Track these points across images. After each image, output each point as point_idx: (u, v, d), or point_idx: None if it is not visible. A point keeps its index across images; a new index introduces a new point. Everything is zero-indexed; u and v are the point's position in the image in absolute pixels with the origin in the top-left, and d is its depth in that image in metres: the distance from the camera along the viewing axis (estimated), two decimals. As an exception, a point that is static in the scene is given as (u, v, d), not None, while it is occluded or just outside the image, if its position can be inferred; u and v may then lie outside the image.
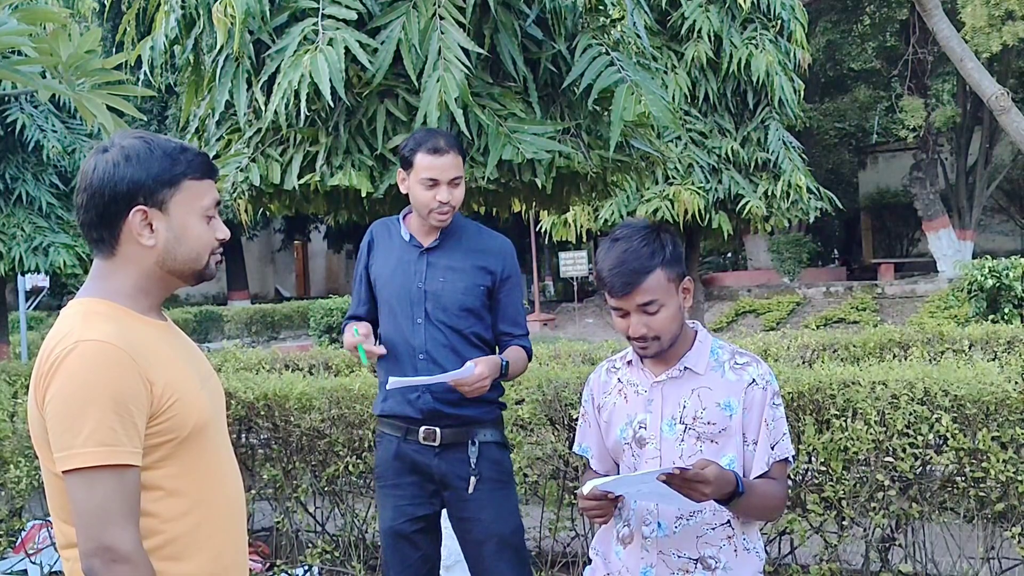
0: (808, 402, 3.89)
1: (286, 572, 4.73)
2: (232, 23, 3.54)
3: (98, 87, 2.96)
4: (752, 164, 7.57)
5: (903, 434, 3.75)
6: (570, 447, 4.04)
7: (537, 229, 9.88)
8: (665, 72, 6.99)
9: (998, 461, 3.62)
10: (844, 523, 3.94)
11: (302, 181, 3.73)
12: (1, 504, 5.07)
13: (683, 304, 2.27)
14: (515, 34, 3.72)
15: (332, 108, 3.60)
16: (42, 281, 14.43)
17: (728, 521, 2.25)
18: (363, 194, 3.69)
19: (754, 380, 2.24)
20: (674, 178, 7.30)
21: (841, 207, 8.56)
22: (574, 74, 3.82)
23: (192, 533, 1.81)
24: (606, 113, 4.00)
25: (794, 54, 7.77)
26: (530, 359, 3.24)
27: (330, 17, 3.56)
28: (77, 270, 8.74)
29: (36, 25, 2.92)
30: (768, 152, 7.59)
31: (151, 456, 1.75)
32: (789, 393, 3.87)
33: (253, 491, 4.77)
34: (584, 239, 8.71)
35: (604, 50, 3.86)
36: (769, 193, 7.55)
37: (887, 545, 4.01)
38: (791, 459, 2.30)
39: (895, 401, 3.77)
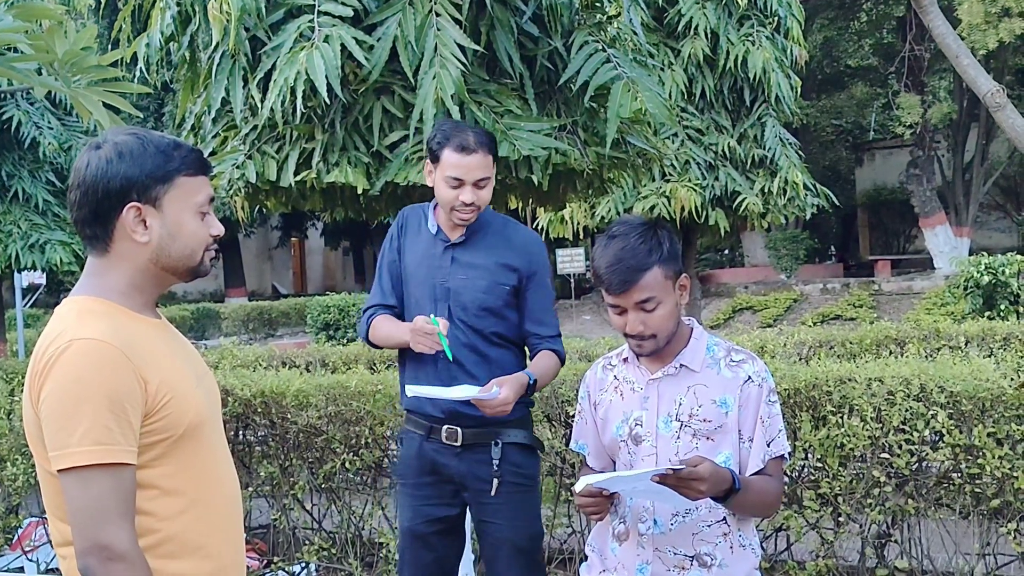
0: (804, 399, 3.89)
1: (283, 569, 4.73)
2: (228, 20, 3.54)
3: (94, 84, 2.95)
4: (749, 161, 7.58)
5: (899, 430, 3.76)
6: (567, 444, 4.04)
7: (534, 226, 9.93)
8: (662, 69, 6.99)
9: (994, 457, 3.63)
10: (840, 519, 3.95)
11: (298, 178, 3.72)
12: (-2, 501, 5.07)
13: (680, 301, 2.27)
14: (511, 31, 3.72)
15: (328, 105, 3.60)
16: (38, 278, 14.42)
17: (724, 518, 2.25)
18: (359, 191, 3.69)
19: (750, 377, 2.25)
20: (671, 175, 7.30)
21: (838, 204, 8.58)
22: (570, 71, 3.82)
23: (188, 531, 1.81)
24: (602, 110, 4.00)
25: (791, 51, 7.77)
26: (563, 363, 3.10)
27: (326, 14, 3.55)
28: (74, 267, 8.73)
29: (32, 22, 2.92)
30: (765, 149, 7.60)
31: (147, 454, 1.75)
32: (786, 390, 3.87)
33: (250, 488, 4.77)
34: (581, 236, 8.72)
35: (600, 47, 3.86)
36: (766, 190, 7.56)
37: (883, 541, 4.02)
38: (787, 456, 2.30)
39: (891, 398, 3.78)
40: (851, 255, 26.05)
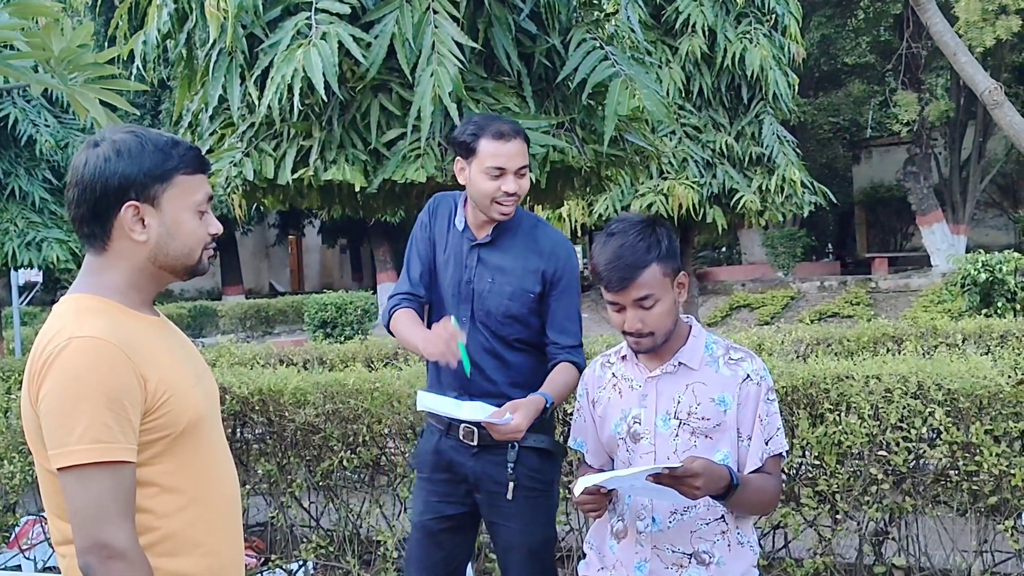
0: (802, 396, 3.89)
1: (280, 567, 4.73)
2: (225, 17, 3.54)
3: (91, 81, 2.94)
4: (746, 158, 7.59)
5: (896, 428, 3.76)
6: (565, 441, 4.04)
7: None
8: (659, 66, 6.99)
9: (991, 455, 3.63)
10: (838, 517, 3.95)
11: (296, 176, 3.72)
12: (-5, 500, 5.07)
13: (678, 299, 2.27)
14: (509, 28, 3.72)
15: (326, 102, 3.59)
16: (35, 276, 14.39)
17: (722, 516, 2.25)
18: (357, 188, 3.69)
19: (748, 376, 2.25)
20: (668, 173, 7.30)
21: (835, 201, 8.59)
22: (568, 68, 3.82)
23: (188, 529, 1.80)
24: (600, 107, 4.00)
25: (788, 48, 7.78)
26: (582, 373, 2.81)
27: (323, 11, 3.55)
28: (71, 265, 8.72)
29: (28, 19, 2.91)
30: (762, 146, 7.60)
31: (146, 452, 1.75)
32: (783, 387, 3.87)
33: (248, 486, 4.77)
34: (579, 234, 8.72)
35: (598, 44, 3.86)
36: (763, 187, 7.56)
37: (881, 538, 4.02)
38: (785, 454, 2.30)
39: (889, 395, 3.78)
40: (848, 253, 26.07)
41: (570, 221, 8.18)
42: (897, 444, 3.76)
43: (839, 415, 3.80)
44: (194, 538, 1.81)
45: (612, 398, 2.36)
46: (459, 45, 3.52)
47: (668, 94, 7.01)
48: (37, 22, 2.97)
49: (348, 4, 3.56)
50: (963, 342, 7.07)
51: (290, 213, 27.21)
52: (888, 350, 6.58)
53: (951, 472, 3.77)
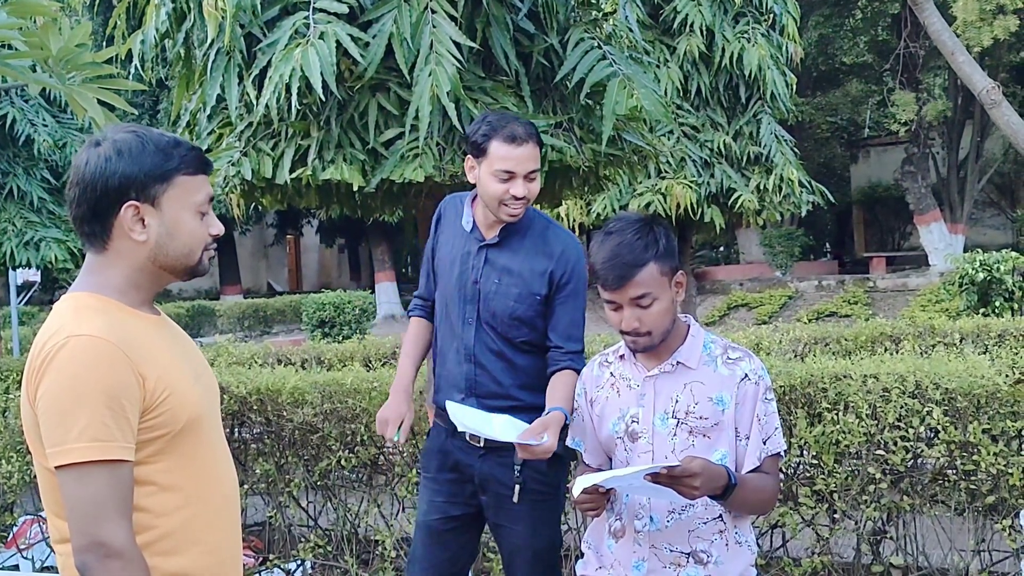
0: (800, 395, 3.90)
1: (279, 566, 4.73)
2: (223, 17, 3.54)
3: (89, 81, 2.94)
4: (744, 158, 7.59)
5: (894, 427, 3.76)
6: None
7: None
8: (657, 66, 6.99)
9: (989, 454, 3.63)
10: (836, 516, 3.96)
11: (294, 175, 3.72)
12: (-7, 499, 5.06)
13: (676, 298, 2.27)
14: (507, 28, 3.72)
15: (324, 102, 3.59)
16: (33, 276, 14.38)
17: (720, 515, 2.25)
18: (355, 188, 3.69)
19: (747, 375, 2.25)
20: (666, 172, 7.31)
21: (833, 201, 8.60)
22: (566, 68, 3.82)
23: (186, 528, 1.81)
24: (598, 107, 4.00)
25: (786, 48, 7.78)
26: None
27: (321, 11, 3.55)
28: (69, 264, 8.72)
29: (26, 18, 2.91)
30: (760, 146, 7.60)
31: (144, 451, 1.75)
32: (781, 387, 3.87)
33: (246, 486, 4.77)
34: (577, 233, 8.72)
35: (596, 44, 3.86)
36: (761, 187, 7.57)
37: (878, 538, 4.03)
38: (783, 453, 2.31)
39: (886, 394, 3.78)
40: (846, 252, 26.09)
41: (568, 220, 8.18)
42: (895, 443, 3.76)
43: (837, 414, 3.80)
44: (192, 537, 1.81)
45: (610, 397, 2.37)
46: (457, 45, 3.52)
47: (666, 94, 7.01)
48: (35, 21, 2.97)
49: (346, 3, 3.56)
50: (961, 341, 7.08)
51: (288, 212, 27.21)
52: (886, 349, 6.59)
53: (949, 471, 3.77)
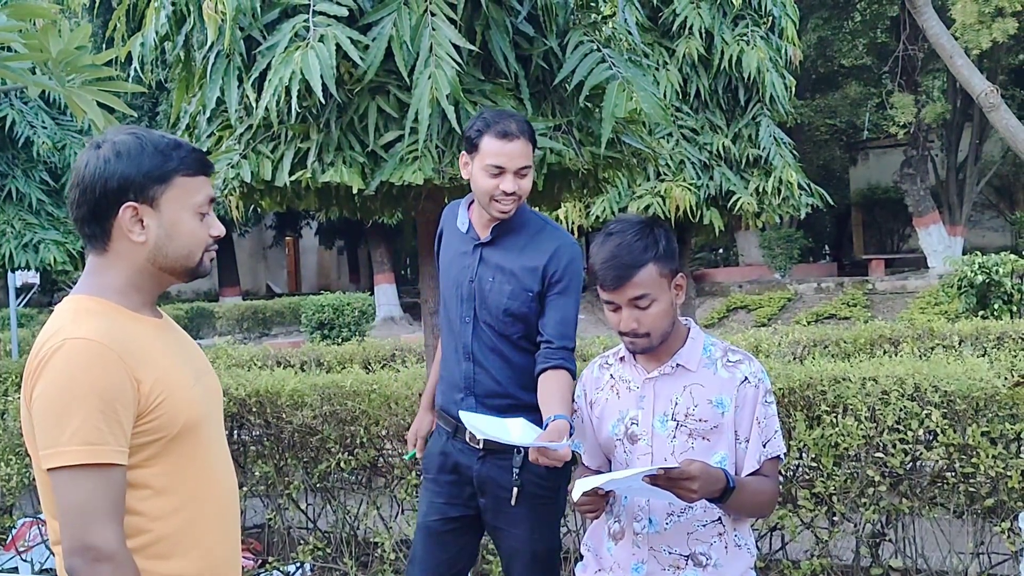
0: (799, 398, 3.90)
1: (278, 569, 4.73)
2: (223, 19, 3.54)
3: (88, 83, 2.95)
4: (743, 160, 7.58)
5: (893, 430, 3.76)
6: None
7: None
8: (656, 68, 6.99)
9: (987, 456, 3.64)
10: (835, 519, 3.96)
11: (293, 178, 3.72)
12: (-8, 501, 5.06)
13: (675, 300, 2.27)
14: (506, 30, 3.72)
15: (323, 105, 3.59)
16: (32, 278, 14.37)
17: (719, 518, 2.25)
18: (354, 190, 3.69)
19: (746, 378, 2.25)
20: (666, 174, 7.30)
21: (832, 203, 8.59)
22: (565, 70, 3.82)
23: (181, 532, 1.80)
24: (597, 110, 4.00)
25: (785, 50, 7.78)
26: (575, 379, 2.77)
27: (321, 13, 3.55)
28: (68, 267, 8.71)
29: (26, 21, 2.91)
30: (759, 148, 7.60)
31: (139, 455, 1.75)
32: (780, 389, 3.88)
33: (245, 488, 4.77)
34: (576, 235, 8.72)
35: (595, 47, 3.86)
36: (760, 189, 7.56)
37: (877, 540, 4.03)
38: (782, 456, 2.31)
39: (885, 397, 3.78)
40: (845, 254, 26.10)
41: (567, 223, 8.18)
42: (894, 446, 3.76)
43: (836, 417, 3.81)
44: (188, 541, 1.81)
45: (610, 399, 2.37)
46: (457, 47, 3.52)
47: (665, 96, 7.01)
48: (35, 24, 2.97)
49: (346, 6, 3.56)
50: (960, 344, 7.09)
51: (287, 214, 27.21)
52: (885, 352, 6.59)
53: (948, 474, 3.77)
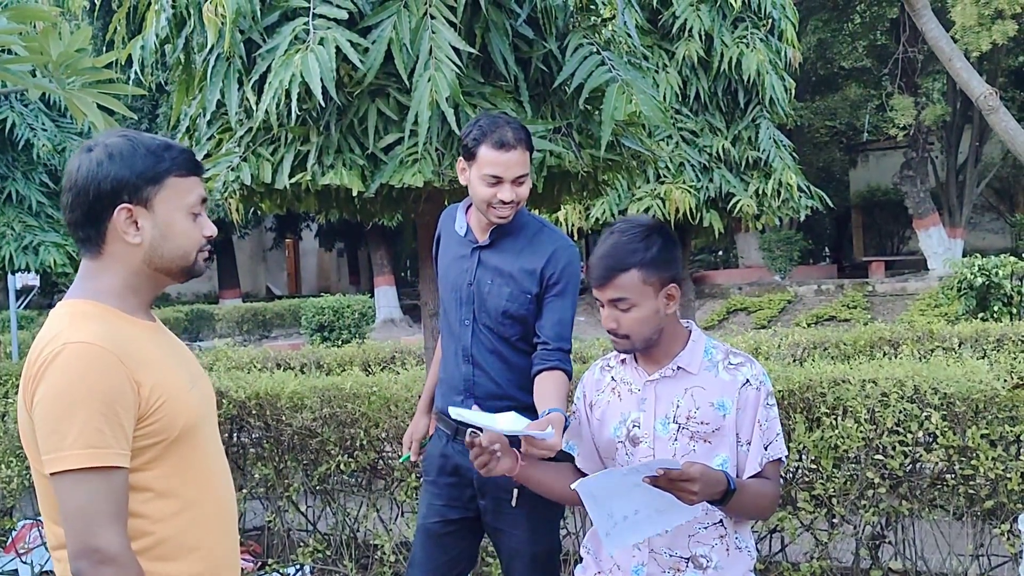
0: (799, 400, 3.90)
1: (278, 571, 4.73)
2: (223, 22, 3.54)
3: (89, 86, 2.95)
4: (743, 162, 7.59)
5: (893, 432, 3.77)
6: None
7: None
8: (656, 71, 7.00)
9: (987, 459, 3.64)
10: (834, 521, 3.96)
11: (293, 180, 3.72)
12: (-9, 504, 5.06)
13: (664, 309, 2.25)
14: (506, 33, 3.72)
15: (323, 107, 3.60)
16: (32, 280, 14.37)
17: (720, 520, 2.25)
18: (354, 193, 3.69)
19: (748, 380, 2.25)
20: (665, 177, 7.31)
21: (832, 205, 8.59)
22: (565, 73, 3.83)
23: (183, 533, 1.81)
24: (597, 112, 4.01)
25: (785, 53, 7.78)
26: (570, 379, 2.85)
27: (321, 16, 3.55)
28: (68, 269, 8.71)
29: (26, 23, 2.91)
30: (759, 150, 7.60)
31: (141, 457, 1.75)
32: (780, 391, 3.88)
33: (245, 490, 4.77)
34: (575, 238, 8.71)
35: (595, 49, 3.87)
36: (760, 191, 7.56)
37: (877, 542, 4.03)
38: (784, 459, 2.31)
39: (885, 399, 3.78)
40: (845, 256, 26.11)
41: (567, 225, 8.18)
42: (893, 448, 3.76)
43: (836, 419, 3.81)
44: (189, 542, 1.82)
45: (611, 401, 2.37)
46: (456, 50, 3.53)
47: (665, 98, 7.01)
48: (35, 26, 2.97)
49: (345, 9, 3.57)
50: (959, 346, 7.09)
51: (287, 216, 27.21)
52: (884, 354, 6.59)
53: (947, 476, 3.77)
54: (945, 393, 3.73)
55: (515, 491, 2.82)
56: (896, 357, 5.45)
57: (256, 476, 4.72)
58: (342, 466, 4.52)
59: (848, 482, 3.85)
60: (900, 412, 3.75)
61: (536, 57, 3.87)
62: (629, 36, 4.37)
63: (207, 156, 4.05)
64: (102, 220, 1.80)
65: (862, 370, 4.02)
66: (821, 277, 21.92)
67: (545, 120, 3.89)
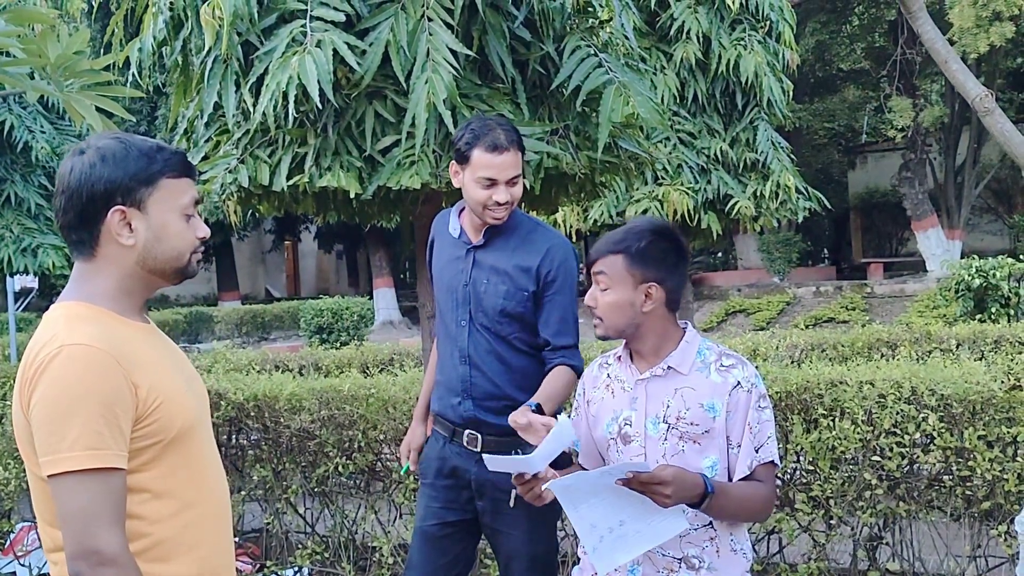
0: (796, 401, 3.90)
1: (276, 573, 4.73)
2: (220, 25, 3.55)
3: (87, 88, 2.95)
4: (741, 164, 7.60)
5: (890, 433, 3.77)
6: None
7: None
8: (654, 73, 7.01)
9: (984, 460, 3.64)
10: (832, 522, 3.96)
11: (291, 182, 3.73)
12: (-10, 506, 5.06)
13: (640, 305, 2.28)
14: (503, 35, 3.73)
15: (320, 109, 3.60)
16: (31, 282, 14.39)
17: (710, 523, 2.25)
18: (352, 195, 3.70)
19: (739, 383, 2.25)
20: (663, 178, 7.32)
21: (830, 207, 8.61)
22: (562, 75, 3.83)
23: (180, 535, 1.81)
24: (594, 114, 4.01)
25: (783, 55, 7.79)
26: (579, 376, 2.77)
27: (318, 19, 3.56)
28: (66, 271, 8.72)
29: (24, 26, 2.92)
30: (757, 152, 7.61)
31: (138, 459, 1.75)
32: (777, 393, 3.88)
33: (243, 492, 4.77)
34: (573, 239, 8.72)
35: (592, 51, 3.88)
36: (758, 193, 7.57)
37: (875, 544, 4.03)
38: (777, 462, 2.29)
39: (882, 400, 3.79)
40: (844, 258, 26.11)
41: (565, 227, 8.19)
42: (891, 449, 3.77)
43: (833, 420, 3.81)
44: (185, 544, 1.82)
45: (605, 398, 2.38)
46: (454, 52, 3.54)
47: (662, 100, 7.02)
48: (33, 29, 2.98)
49: (343, 12, 3.57)
50: (957, 347, 7.09)
51: (286, 219, 27.21)
52: (882, 355, 6.60)
53: (945, 477, 3.78)
54: (942, 394, 3.74)
55: (513, 492, 2.82)
56: (894, 358, 5.45)
57: (254, 478, 4.73)
58: (340, 468, 4.52)
59: (845, 483, 3.85)
60: (897, 413, 3.75)
61: (533, 59, 3.88)
62: (626, 38, 4.38)
63: (205, 158, 4.06)
64: (95, 222, 1.80)
65: (859, 371, 4.03)
66: (820, 279, 21.92)
67: (542, 122, 3.90)
